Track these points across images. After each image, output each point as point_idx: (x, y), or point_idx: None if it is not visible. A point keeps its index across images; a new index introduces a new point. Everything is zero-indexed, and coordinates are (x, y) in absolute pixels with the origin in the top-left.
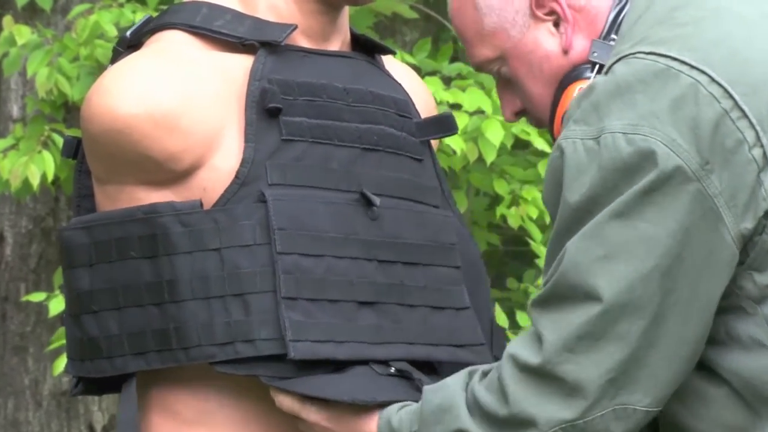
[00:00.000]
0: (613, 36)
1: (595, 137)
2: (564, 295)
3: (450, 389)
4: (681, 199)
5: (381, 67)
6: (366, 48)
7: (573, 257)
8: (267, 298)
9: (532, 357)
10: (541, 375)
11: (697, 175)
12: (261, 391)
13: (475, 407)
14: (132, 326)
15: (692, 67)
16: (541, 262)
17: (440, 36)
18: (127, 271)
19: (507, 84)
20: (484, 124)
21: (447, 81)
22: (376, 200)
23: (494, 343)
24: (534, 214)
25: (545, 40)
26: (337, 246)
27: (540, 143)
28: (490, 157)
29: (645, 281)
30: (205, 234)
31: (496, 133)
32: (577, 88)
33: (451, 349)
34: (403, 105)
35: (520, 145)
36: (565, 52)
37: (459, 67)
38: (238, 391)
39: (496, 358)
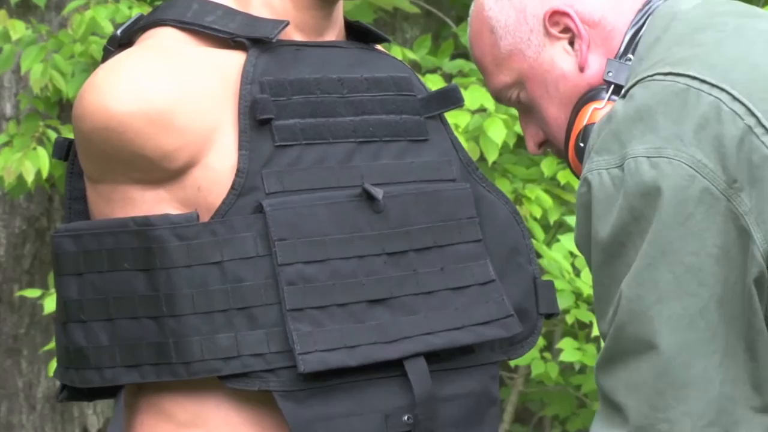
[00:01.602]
0: (629, 56)
1: (619, 165)
2: (627, 349)
3: None
4: (715, 222)
5: (377, 50)
6: (360, 36)
7: (627, 308)
8: (273, 311)
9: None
10: None
11: (725, 194)
12: (256, 393)
13: None
14: (124, 338)
15: (713, 85)
16: (543, 262)
17: (441, 33)
18: (119, 283)
19: (527, 112)
20: (486, 122)
21: (448, 78)
22: (379, 193)
23: (539, 301)
24: (537, 214)
25: (561, 59)
26: (343, 247)
27: None
28: (492, 157)
29: (704, 314)
30: (204, 247)
31: (498, 131)
32: (591, 109)
33: (477, 328)
34: (403, 82)
35: (522, 143)
36: (581, 69)
37: (460, 64)
38: (233, 394)
39: (542, 316)
